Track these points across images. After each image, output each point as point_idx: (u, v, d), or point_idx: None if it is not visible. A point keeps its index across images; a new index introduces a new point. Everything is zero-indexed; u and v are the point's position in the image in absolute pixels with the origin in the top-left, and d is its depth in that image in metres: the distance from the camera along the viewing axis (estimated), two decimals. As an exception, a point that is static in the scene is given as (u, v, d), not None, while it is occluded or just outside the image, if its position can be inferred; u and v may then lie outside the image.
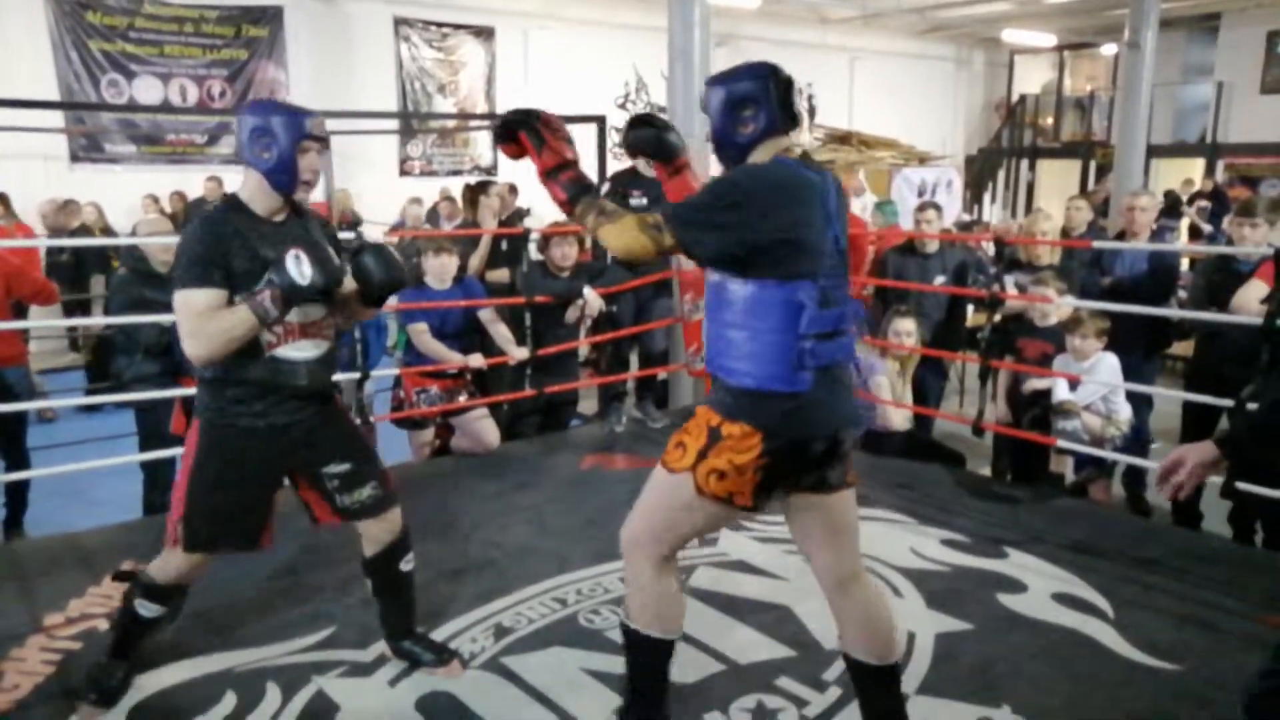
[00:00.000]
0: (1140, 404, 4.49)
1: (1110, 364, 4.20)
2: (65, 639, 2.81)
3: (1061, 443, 4.20)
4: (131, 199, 9.58)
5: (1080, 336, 4.19)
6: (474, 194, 5.94)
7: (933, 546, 3.54)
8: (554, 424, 5.10)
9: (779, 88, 2.04)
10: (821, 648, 2.79)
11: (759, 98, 2.03)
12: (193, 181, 10.04)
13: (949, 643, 2.83)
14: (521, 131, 2.09)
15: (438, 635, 2.84)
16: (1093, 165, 15.10)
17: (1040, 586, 3.21)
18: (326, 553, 3.43)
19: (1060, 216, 6.05)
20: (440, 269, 4.56)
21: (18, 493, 4.41)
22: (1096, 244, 4.84)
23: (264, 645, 2.78)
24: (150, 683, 2.58)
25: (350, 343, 4.69)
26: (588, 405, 6.23)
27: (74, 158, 10.02)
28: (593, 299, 4.68)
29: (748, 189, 1.94)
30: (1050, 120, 16.66)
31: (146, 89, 10.38)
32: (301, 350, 2.39)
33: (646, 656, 2.18)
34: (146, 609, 2.48)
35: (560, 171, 2.07)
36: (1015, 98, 16.82)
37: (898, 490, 4.16)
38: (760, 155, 2.04)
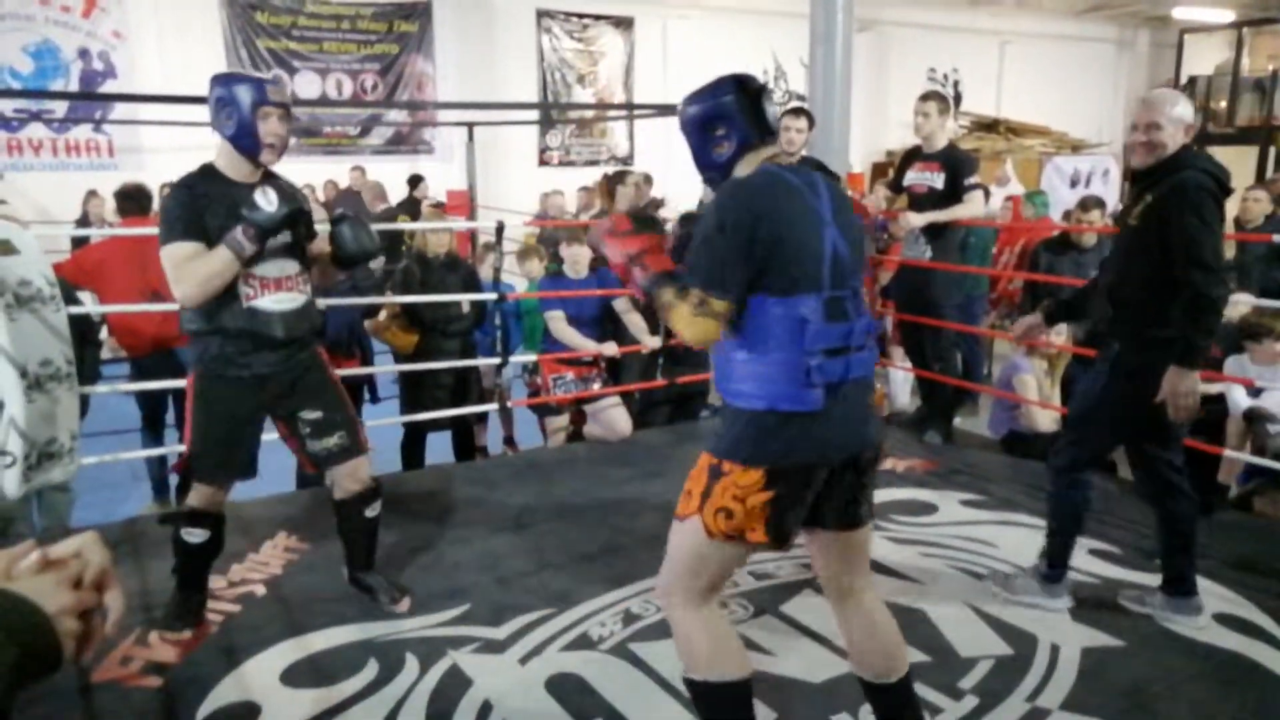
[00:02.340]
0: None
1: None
2: (227, 601, 3.01)
3: (1228, 453, 3.91)
4: (291, 189, 10.18)
5: (1275, 339, 3.87)
6: (611, 184, 6.01)
7: (1079, 556, 3.34)
8: (684, 414, 5.11)
9: (748, 100, 1.94)
10: (958, 654, 2.69)
11: (729, 114, 1.94)
12: (345, 171, 10.57)
13: (1097, 658, 2.68)
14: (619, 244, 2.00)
15: (567, 617, 2.90)
16: (1272, 152, 13.94)
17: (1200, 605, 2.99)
18: (464, 532, 3.55)
19: (1233, 207, 5.61)
20: (574, 258, 4.64)
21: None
22: (1278, 237, 4.46)
23: (404, 618, 2.90)
24: (300, 648, 2.74)
25: (492, 330, 4.83)
26: (718, 396, 6.21)
27: (241, 150, 10.71)
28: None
29: (731, 207, 1.85)
30: (1224, 103, 15.46)
31: (307, 84, 10.97)
32: (278, 303, 2.59)
33: (720, 703, 1.98)
34: (192, 535, 2.73)
35: (633, 265, 1.97)
36: (1184, 79, 15.69)
37: (1042, 495, 3.95)
38: (741, 172, 1.96)
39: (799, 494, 1.88)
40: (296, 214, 2.51)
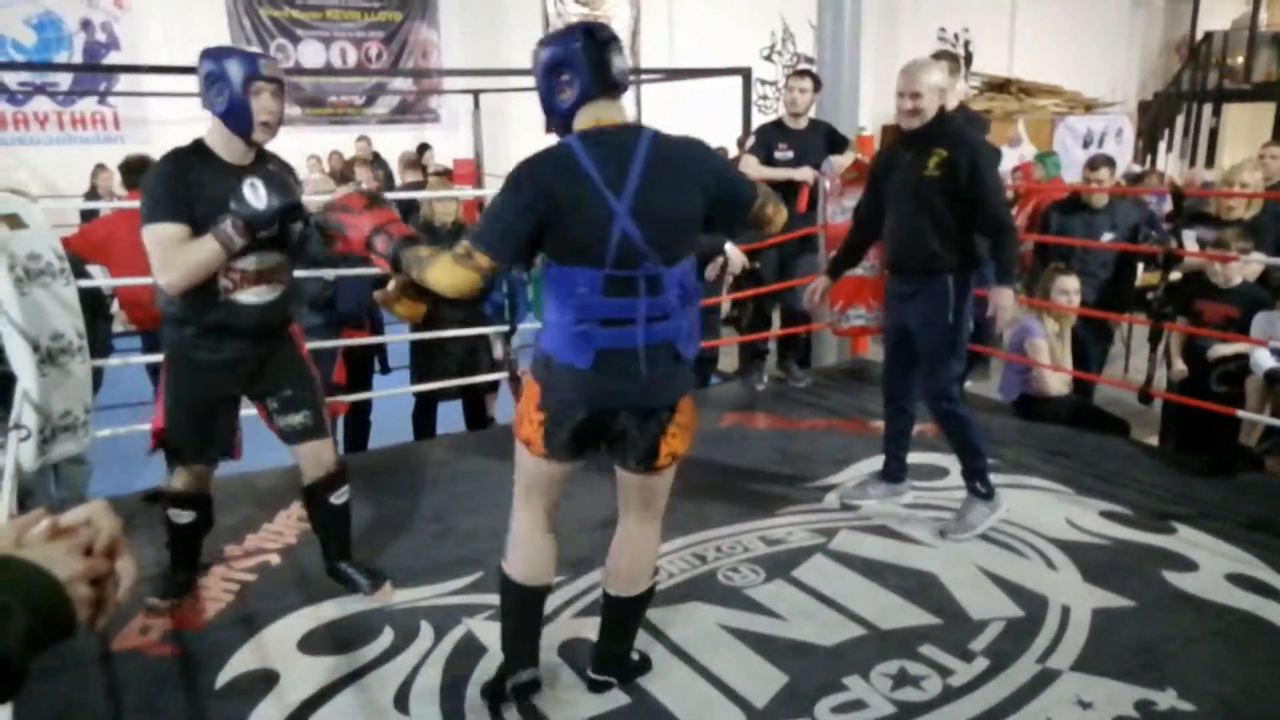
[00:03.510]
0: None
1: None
2: (242, 570, 3.04)
3: (1242, 414, 3.88)
4: (296, 159, 10.05)
5: None
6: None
7: (1091, 518, 3.35)
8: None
9: (594, 51, 1.98)
10: (969, 617, 2.70)
11: (572, 62, 1.98)
12: (351, 141, 10.51)
13: (1108, 619, 2.69)
14: (330, 226, 2.21)
15: (578, 585, 2.91)
16: (1289, 109, 13.68)
17: (1213, 565, 2.99)
18: (476, 500, 3.57)
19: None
20: None
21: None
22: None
23: (418, 586, 2.93)
24: (316, 616, 2.77)
25: (500, 299, 4.81)
26: (727, 363, 6.21)
27: (246, 121, 10.66)
28: (734, 255, 4.63)
29: (519, 178, 1.96)
30: (1241, 59, 15.18)
31: (310, 53, 10.88)
32: (257, 295, 2.52)
33: (508, 596, 2.32)
34: (179, 515, 2.76)
35: (377, 235, 2.19)
36: (1200, 35, 15.41)
37: (1054, 458, 3.96)
38: (581, 122, 2.01)
39: (565, 421, 2.08)
40: (286, 210, 2.42)
